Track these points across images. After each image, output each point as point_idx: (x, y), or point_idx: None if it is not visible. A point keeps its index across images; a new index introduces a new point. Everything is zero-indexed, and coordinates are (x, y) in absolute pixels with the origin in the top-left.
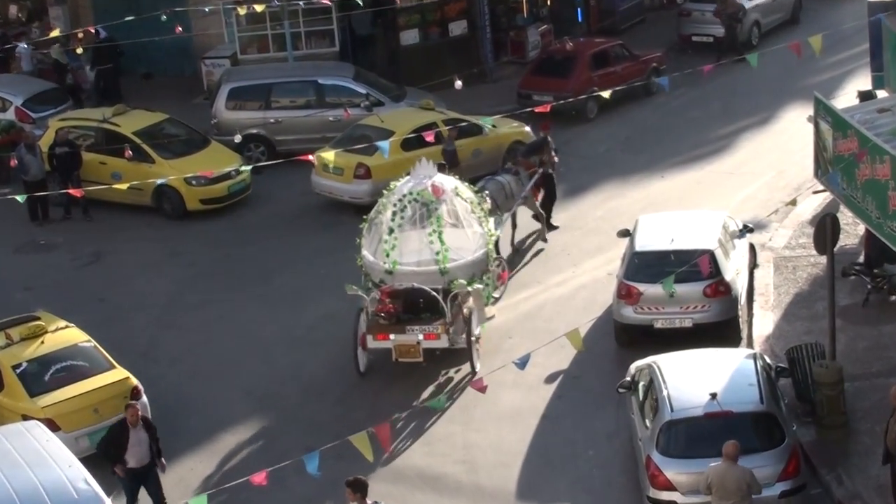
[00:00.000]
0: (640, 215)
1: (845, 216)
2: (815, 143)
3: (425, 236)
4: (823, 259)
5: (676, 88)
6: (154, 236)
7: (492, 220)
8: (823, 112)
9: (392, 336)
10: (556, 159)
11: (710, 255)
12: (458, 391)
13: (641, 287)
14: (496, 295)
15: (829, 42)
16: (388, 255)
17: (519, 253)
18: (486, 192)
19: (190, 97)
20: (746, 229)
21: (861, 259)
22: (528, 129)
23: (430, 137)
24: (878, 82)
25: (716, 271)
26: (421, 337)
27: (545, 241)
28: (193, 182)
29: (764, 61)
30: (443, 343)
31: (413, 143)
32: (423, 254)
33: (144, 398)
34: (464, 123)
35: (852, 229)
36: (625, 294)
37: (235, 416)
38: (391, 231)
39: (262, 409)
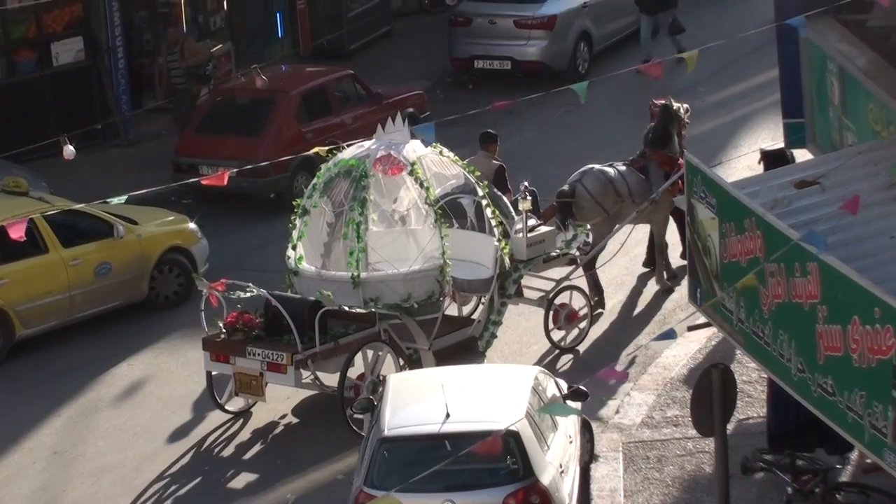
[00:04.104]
0: (392, 373)
1: (744, 367)
2: (688, 242)
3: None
4: (709, 444)
5: (451, 149)
6: None
7: (519, 224)
8: (702, 188)
9: (232, 359)
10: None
11: (514, 439)
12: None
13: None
14: (564, 340)
15: (712, 62)
16: (294, 248)
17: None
18: (524, 184)
19: None
20: (575, 394)
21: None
22: (192, 225)
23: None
24: (794, 134)
25: (524, 469)
26: (264, 366)
27: (667, 286)
28: None
29: (604, 95)
30: (288, 380)
31: None
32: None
33: None
34: (80, 215)
35: (757, 390)
36: None
37: None
38: (304, 212)
39: None
